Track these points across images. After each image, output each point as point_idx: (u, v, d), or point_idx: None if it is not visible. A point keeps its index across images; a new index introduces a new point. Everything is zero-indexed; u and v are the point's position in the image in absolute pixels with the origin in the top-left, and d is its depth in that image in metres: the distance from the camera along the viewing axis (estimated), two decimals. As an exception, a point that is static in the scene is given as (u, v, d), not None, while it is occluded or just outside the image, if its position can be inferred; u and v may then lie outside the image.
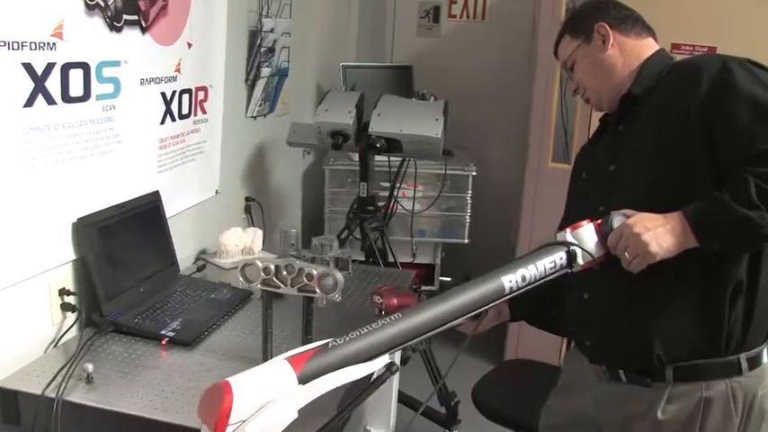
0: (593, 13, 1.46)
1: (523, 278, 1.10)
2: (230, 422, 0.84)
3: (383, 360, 0.98)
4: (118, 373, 1.50)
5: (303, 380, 0.91)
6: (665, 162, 1.30)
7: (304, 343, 1.61)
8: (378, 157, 2.58)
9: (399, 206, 2.83)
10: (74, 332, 1.70)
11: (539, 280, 1.13)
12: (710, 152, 1.24)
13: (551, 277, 1.16)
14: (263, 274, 1.51)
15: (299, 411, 0.89)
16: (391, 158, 2.80)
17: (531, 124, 3.16)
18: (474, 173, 3.26)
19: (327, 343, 0.96)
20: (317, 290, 1.49)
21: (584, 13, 1.49)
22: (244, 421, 0.85)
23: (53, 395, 1.39)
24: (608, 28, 1.43)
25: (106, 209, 1.76)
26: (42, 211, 1.56)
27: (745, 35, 2.80)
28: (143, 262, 1.89)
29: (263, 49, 2.59)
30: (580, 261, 1.19)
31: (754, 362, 1.32)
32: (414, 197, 2.94)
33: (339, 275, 1.48)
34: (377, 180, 2.76)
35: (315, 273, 1.48)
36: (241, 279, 1.53)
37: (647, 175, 1.33)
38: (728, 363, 1.31)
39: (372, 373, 0.97)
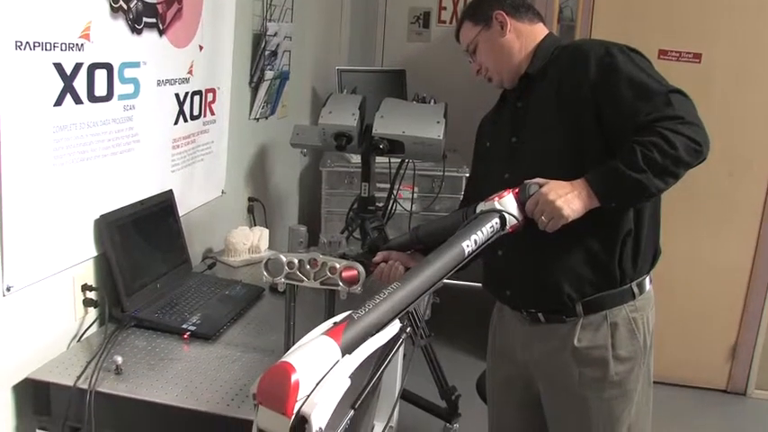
0: (491, 2, 1.62)
1: (475, 242, 1.24)
2: (297, 398, 0.89)
3: (396, 324, 1.07)
4: (145, 365, 1.54)
5: (345, 350, 0.97)
6: (563, 133, 1.48)
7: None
8: (377, 159, 2.63)
9: (399, 206, 2.88)
10: (94, 328, 1.73)
11: (484, 243, 1.27)
12: (600, 124, 1.43)
13: (491, 240, 1.30)
14: (287, 268, 1.56)
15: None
16: (390, 160, 2.85)
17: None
18: (468, 174, 3.33)
19: (351, 315, 1.02)
20: (340, 283, 1.55)
21: (483, 2, 1.64)
22: (308, 396, 0.90)
23: (85, 386, 1.43)
24: (505, 15, 1.59)
25: (125, 206, 1.80)
26: (67, 208, 1.60)
27: (729, 42, 2.94)
28: (159, 259, 1.93)
29: (266, 53, 2.64)
30: (508, 225, 1.35)
31: (642, 288, 1.56)
32: (412, 198, 3.00)
33: (361, 268, 1.54)
34: (373, 181, 2.82)
35: (338, 266, 1.54)
36: (265, 273, 1.57)
37: (547, 145, 1.51)
38: (624, 291, 1.53)
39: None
